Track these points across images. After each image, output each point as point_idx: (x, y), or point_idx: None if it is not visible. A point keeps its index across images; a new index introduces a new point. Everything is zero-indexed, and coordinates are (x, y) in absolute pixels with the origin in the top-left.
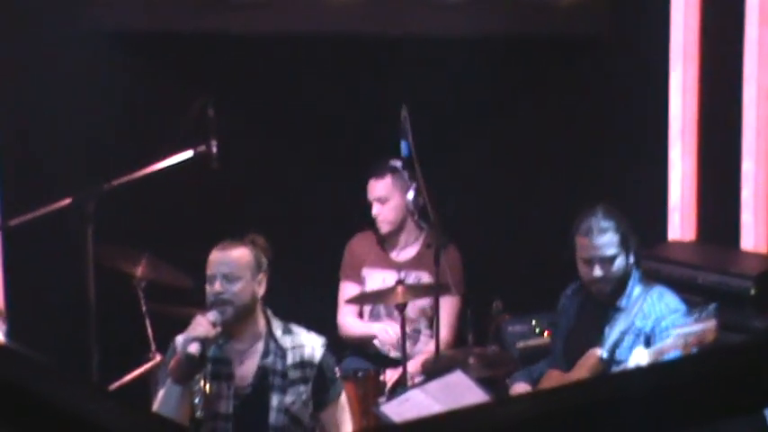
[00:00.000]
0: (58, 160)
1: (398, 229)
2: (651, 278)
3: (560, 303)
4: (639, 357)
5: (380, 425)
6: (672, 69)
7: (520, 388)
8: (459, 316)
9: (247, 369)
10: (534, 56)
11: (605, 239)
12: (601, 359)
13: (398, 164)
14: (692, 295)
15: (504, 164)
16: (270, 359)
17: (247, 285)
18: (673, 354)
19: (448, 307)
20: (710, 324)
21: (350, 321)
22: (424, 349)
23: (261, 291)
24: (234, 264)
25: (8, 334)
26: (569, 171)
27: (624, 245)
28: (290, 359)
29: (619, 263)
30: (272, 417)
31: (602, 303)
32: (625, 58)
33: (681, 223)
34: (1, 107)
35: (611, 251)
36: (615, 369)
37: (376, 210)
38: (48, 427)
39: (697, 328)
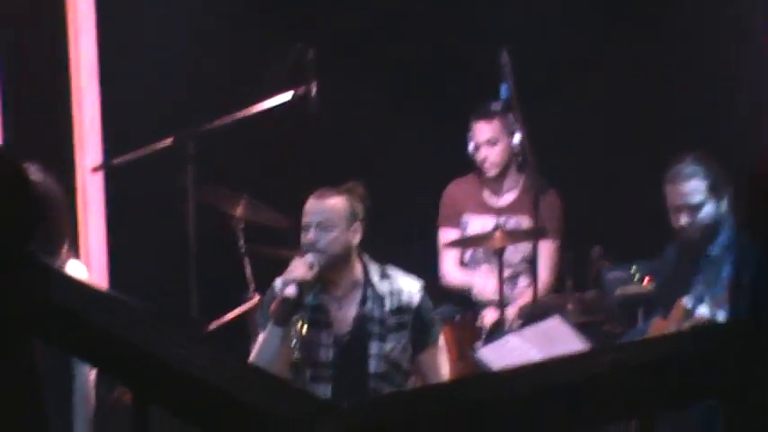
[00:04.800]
0: (159, 100)
1: (503, 172)
2: None
3: (665, 251)
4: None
5: (477, 371)
6: None
7: None
8: (559, 261)
9: (346, 317)
10: None
11: (692, 186)
12: (686, 310)
13: (501, 107)
14: None
15: (605, 107)
16: (368, 306)
17: (341, 235)
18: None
19: (547, 252)
20: None
21: (451, 270)
22: (522, 294)
23: (356, 240)
24: (328, 213)
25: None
26: (672, 115)
27: (714, 192)
28: (388, 305)
29: (707, 210)
30: (372, 364)
31: (694, 252)
32: None
33: None
34: (103, 49)
35: (697, 198)
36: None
37: (484, 152)
38: (141, 373)
39: None
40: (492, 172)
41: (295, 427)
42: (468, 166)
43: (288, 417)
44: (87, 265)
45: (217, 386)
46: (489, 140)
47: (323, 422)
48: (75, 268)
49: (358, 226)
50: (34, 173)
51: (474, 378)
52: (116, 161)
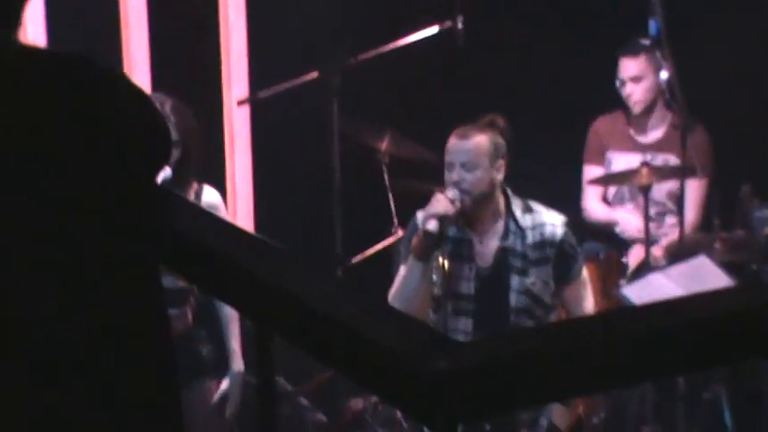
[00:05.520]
0: (305, 34)
1: (649, 109)
2: None
3: None
4: None
5: (621, 307)
6: None
7: None
8: (706, 200)
9: (487, 250)
10: None
11: None
12: None
13: (648, 43)
14: None
15: (753, 42)
16: (510, 240)
17: (485, 173)
18: None
19: (694, 190)
20: None
21: (594, 206)
22: (668, 233)
23: (499, 176)
24: (472, 152)
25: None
26: None
27: None
28: (530, 239)
29: None
30: (513, 298)
31: None
32: None
33: None
34: None
35: None
36: None
37: (629, 89)
38: (263, 305)
39: None
40: (637, 109)
41: (410, 361)
42: (614, 102)
43: (405, 350)
44: (233, 198)
45: (337, 319)
46: (635, 77)
47: (439, 357)
48: (208, 194)
49: (501, 162)
50: (166, 103)
51: (618, 311)
52: (262, 94)
